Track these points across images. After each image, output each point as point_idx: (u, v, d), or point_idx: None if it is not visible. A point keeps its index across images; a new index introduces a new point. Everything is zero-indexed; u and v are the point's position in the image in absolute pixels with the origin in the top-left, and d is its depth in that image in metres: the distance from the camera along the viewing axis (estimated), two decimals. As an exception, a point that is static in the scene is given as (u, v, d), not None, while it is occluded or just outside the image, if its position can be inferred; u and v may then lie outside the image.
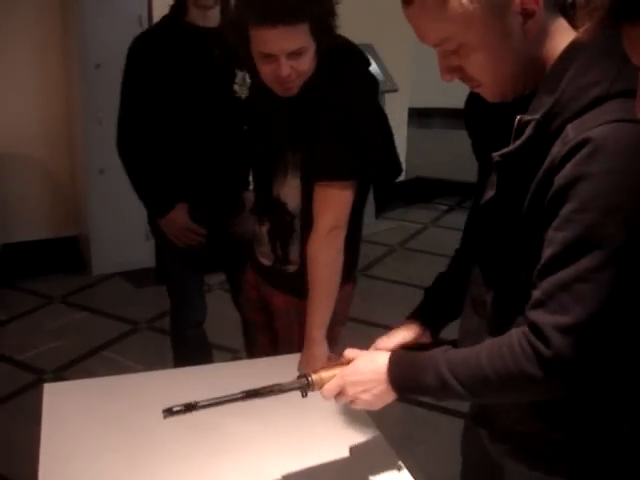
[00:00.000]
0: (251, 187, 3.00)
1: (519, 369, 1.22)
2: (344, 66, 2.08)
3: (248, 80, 2.79)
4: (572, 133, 1.17)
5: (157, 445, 1.74)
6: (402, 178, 6.65)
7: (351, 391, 1.49)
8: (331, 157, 2.06)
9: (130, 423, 1.85)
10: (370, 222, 5.83)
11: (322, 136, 2.06)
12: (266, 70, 2.01)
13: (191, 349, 3.18)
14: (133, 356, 3.87)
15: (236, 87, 2.85)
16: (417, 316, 1.66)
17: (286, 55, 1.94)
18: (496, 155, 1.29)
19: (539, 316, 1.21)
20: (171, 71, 2.78)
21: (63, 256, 5.02)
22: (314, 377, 1.54)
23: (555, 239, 1.19)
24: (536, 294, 1.23)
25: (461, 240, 1.65)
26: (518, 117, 1.24)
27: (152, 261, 4.85)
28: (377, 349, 1.59)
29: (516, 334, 1.25)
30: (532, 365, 1.21)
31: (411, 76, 6.36)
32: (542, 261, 1.22)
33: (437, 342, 1.62)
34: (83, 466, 1.66)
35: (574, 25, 1.26)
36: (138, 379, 2.18)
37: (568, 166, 1.17)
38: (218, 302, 4.83)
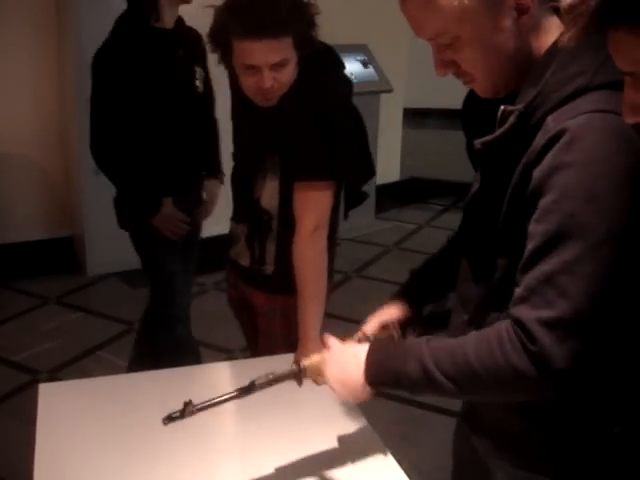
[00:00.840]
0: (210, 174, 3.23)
1: (510, 365, 1.20)
2: (319, 69, 2.10)
3: (203, 74, 3.03)
4: (552, 124, 1.18)
5: (153, 445, 1.74)
6: (397, 178, 6.70)
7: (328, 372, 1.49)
8: (310, 158, 2.09)
9: (126, 423, 1.85)
10: (365, 222, 5.84)
11: (300, 138, 2.09)
12: (248, 81, 2.03)
13: (181, 348, 3.19)
14: (128, 356, 3.87)
15: (197, 82, 3.02)
16: (401, 295, 1.67)
17: (269, 67, 1.96)
18: (478, 142, 1.29)
19: (523, 312, 1.20)
20: (142, 73, 2.85)
21: (58, 256, 5.01)
22: (306, 363, 1.54)
23: (536, 232, 1.19)
24: (519, 290, 1.22)
25: (457, 229, 1.65)
26: (502, 107, 1.25)
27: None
28: (362, 332, 1.61)
29: (505, 328, 1.23)
30: (522, 361, 1.19)
31: (406, 76, 6.37)
32: (524, 256, 1.22)
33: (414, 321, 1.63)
34: (78, 466, 1.66)
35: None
36: (133, 379, 2.19)
37: (547, 157, 1.17)
38: (213, 302, 4.84)
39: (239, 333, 2.70)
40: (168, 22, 2.92)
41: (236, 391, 1.54)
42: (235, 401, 1.97)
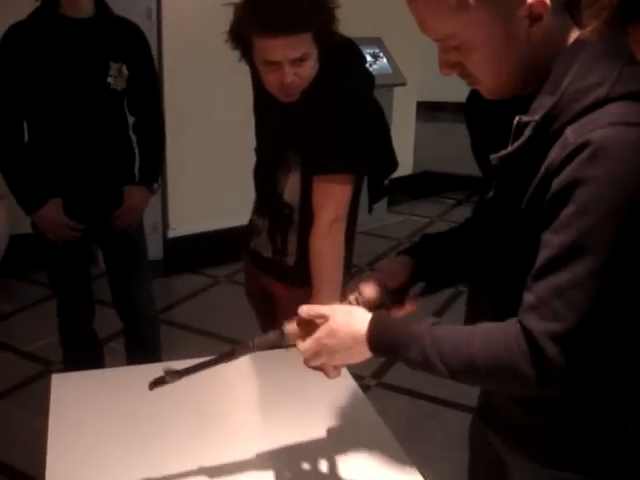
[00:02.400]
0: (136, 180, 3.06)
1: (513, 367, 1.21)
2: (341, 63, 2.10)
3: (125, 72, 2.82)
4: (572, 136, 1.16)
5: (163, 434, 1.75)
6: (410, 172, 6.69)
7: (325, 357, 1.46)
8: (329, 151, 2.09)
9: (137, 413, 1.85)
10: (378, 216, 5.84)
11: (320, 131, 2.08)
12: (270, 78, 2.03)
13: (78, 350, 3.10)
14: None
15: (110, 79, 2.80)
16: (407, 254, 1.64)
17: (289, 62, 1.96)
18: (494, 158, 1.27)
19: (532, 322, 1.19)
20: (41, 62, 2.71)
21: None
22: (288, 327, 1.52)
23: (551, 242, 1.18)
24: (529, 298, 1.21)
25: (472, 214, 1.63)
26: (517, 118, 1.23)
27: (159, 253, 4.87)
28: (361, 294, 1.58)
29: (515, 334, 1.22)
30: (527, 366, 1.19)
31: (420, 70, 6.35)
32: (537, 263, 1.21)
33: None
34: (91, 455, 1.67)
35: (579, 23, 1.26)
36: (145, 370, 2.18)
37: (567, 169, 1.15)
38: (223, 294, 4.86)
39: (251, 325, 2.70)
40: (81, 10, 2.74)
41: (217, 356, 1.53)
42: (245, 394, 1.98)
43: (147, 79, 2.99)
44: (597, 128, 1.13)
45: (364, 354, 1.41)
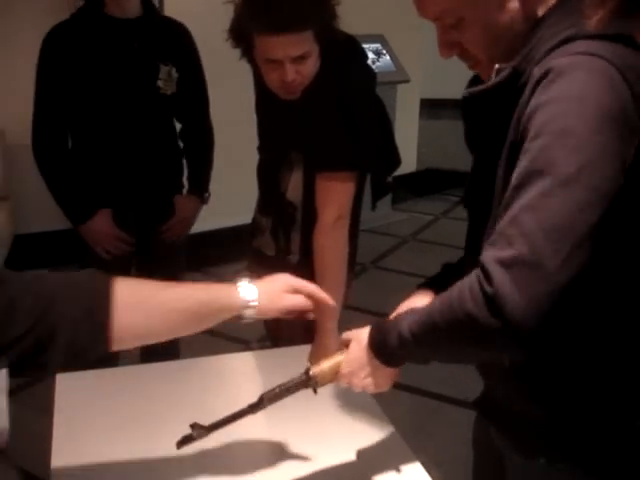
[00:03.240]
0: (185, 190, 2.94)
1: (463, 309, 1.13)
2: (342, 61, 2.09)
3: (175, 75, 2.69)
4: (537, 70, 1.15)
5: (168, 434, 1.74)
6: (413, 169, 6.68)
7: (357, 382, 1.46)
8: (332, 149, 2.09)
9: (141, 412, 1.85)
10: (382, 213, 5.84)
11: (322, 129, 2.08)
12: (271, 75, 2.03)
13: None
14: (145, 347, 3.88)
15: (160, 82, 2.68)
16: (430, 286, 1.61)
17: (291, 60, 1.96)
18: (466, 91, 1.28)
19: (486, 254, 1.13)
20: (87, 64, 2.60)
21: (75, 247, 5.02)
22: (315, 370, 1.52)
23: (512, 179, 1.14)
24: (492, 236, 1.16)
25: None
26: (497, 66, 1.23)
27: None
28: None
29: (468, 277, 1.16)
30: (475, 303, 1.11)
31: (423, 67, 6.35)
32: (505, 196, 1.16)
33: None
34: (95, 454, 1.67)
35: None
36: (150, 369, 2.19)
37: (531, 102, 1.13)
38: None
39: (256, 324, 2.69)
40: (127, 10, 2.64)
41: (246, 407, 1.52)
42: (249, 394, 1.97)
43: (196, 83, 2.87)
44: (561, 57, 1.12)
45: (381, 368, 1.42)
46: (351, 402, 1.90)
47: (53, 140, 2.70)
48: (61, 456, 1.67)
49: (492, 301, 1.08)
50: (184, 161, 2.94)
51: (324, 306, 1.60)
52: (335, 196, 2.11)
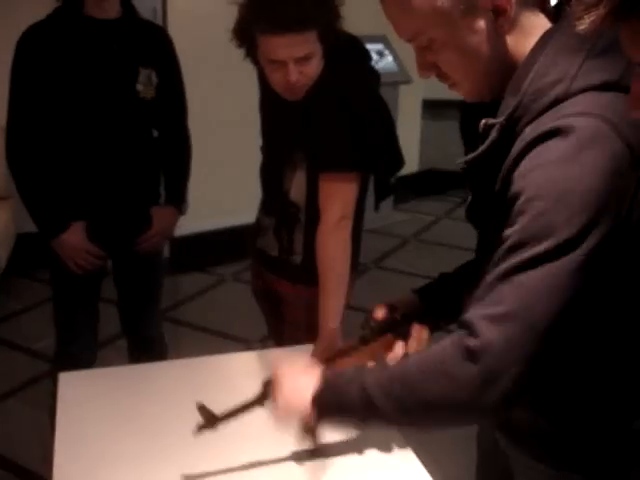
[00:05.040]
0: (162, 200, 2.83)
1: (446, 369, 1.15)
2: (346, 61, 2.09)
3: (155, 79, 2.59)
4: (529, 132, 1.15)
5: (171, 433, 1.75)
6: (415, 170, 6.68)
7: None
8: (335, 149, 2.09)
9: (144, 411, 1.86)
10: (384, 214, 5.84)
11: (325, 129, 2.08)
12: (275, 76, 2.03)
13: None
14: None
15: (139, 86, 2.56)
16: (419, 292, 1.64)
17: (294, 61, 1.96)
18: (460, 162, 1.28)
19: (471, 311, 1.15)
20: (63, 66, 2.47)
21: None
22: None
23: (505, 235, 1.15)
24: (477, 291, 1.17)
25: None
26: (483, 121, 1.23)
27: (165, 252, 4.86)
28: (372, 316, 1.60)
29: (450, 336, 1.18)
30: (460, 361, 1.13)
31: (425, 67, 6.33)
32: (492, 260, 1.17)
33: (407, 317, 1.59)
34: (98, 453, 1.67)
35: (553, 20, 1.25)
36: (153, 369, 2.20)
37: (524, 161, 1.14)
38: (230, 292, 4.87)
39: (257, 324, 2.71)
40: (107, 10, 2.50)
41: (254, 398, 1.57)
42: (250, 389, 1.98)
43: (176, 89, 2.77)
44: (554, 120, 1.12)
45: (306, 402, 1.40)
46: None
47: (27, 146, 2.56)
48: (63, 454, 1.67)
49: (478, 354, 1.11)
50: (161, 170, 2.84)
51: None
52: (338, 196, 2.11)
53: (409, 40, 1.28)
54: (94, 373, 2.25)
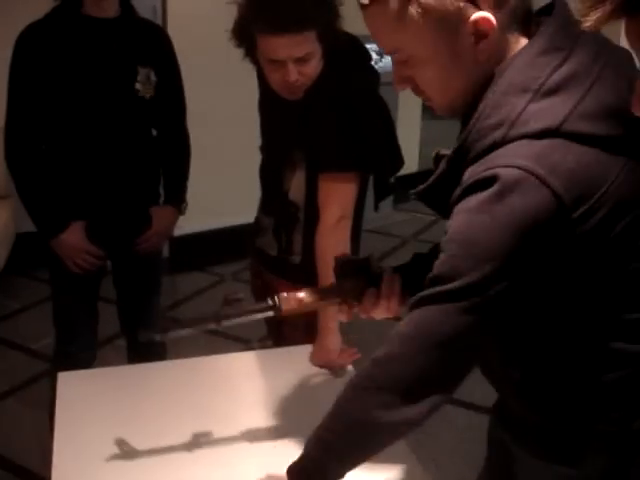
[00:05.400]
0: (161, 200, 2.82)
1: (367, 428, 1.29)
2: (345, 61, 2.09)
3: (153, 78, 2.58)
4: (467, 176, 1.18)
5: (170, 432, 1.75)
6: (415, 169, 6.67)
7: None
8: (334, 149, 2.09)
9: (143, 411, 1.86)
10: (384, 214, 5.83)
11: (325, 129, 2.08)
12: (274, 76, 2.02)
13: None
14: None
15: (138, 85, 2.55)
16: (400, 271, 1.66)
17: (293, 61, 1.95)
18: (412, 193, 1.35)
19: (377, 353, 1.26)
20: (62, 66, 2.47)
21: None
22: (281, 296, 1.54)
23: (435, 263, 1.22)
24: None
25: None
26: (435, 151, 1.28)
27: (165, 251, 4.86)
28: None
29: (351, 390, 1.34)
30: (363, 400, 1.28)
31: (425, 67, 6.34)
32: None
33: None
34: (97, 453, 1.67)
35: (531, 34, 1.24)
36: (152, 368, 2.20)
37: (457, 206, 1.19)
38: (229, 292, 4.86)
39: (257, 323, 2.69)
40: (106, 9, 2.50)
41: (212, 318, 1.56)
42: (250, 393, 1.98)
43: (175, 88, 2.76)
44: (485, 170, 1.14)
45: None
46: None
47: (26, 146, 2.56)
48: (62, 453, 1.67)
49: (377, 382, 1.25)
50: (160, 170, 2.83)
51: None
52: (338, 196, 2.11)
53: (388, 53, 1.29)
54: (93, 373, 2.25)
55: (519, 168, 1.10)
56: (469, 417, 1.69)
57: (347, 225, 2.13)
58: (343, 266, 1.59)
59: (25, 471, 3.04)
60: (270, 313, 1.53)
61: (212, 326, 1.54)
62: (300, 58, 1.96)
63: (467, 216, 1.16)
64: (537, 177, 1.09)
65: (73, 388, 1.96)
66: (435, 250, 1.64)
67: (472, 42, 1.19)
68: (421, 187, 1.31)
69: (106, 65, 2.52)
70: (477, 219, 1.14)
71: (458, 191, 1.19)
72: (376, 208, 2.34)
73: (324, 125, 2.08)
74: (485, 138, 1.17)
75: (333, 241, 2.11)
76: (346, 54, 2.10)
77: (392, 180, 2.37)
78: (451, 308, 1.16)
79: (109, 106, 2.54)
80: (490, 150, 1.16)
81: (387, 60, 4.73)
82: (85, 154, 2.57)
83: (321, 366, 2.07)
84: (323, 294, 1.58)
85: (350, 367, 2.06)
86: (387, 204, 6.05)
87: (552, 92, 1.14)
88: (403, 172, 2.40)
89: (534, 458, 1.41)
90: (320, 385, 1.98)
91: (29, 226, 2.71)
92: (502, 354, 1.37)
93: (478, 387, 1.56)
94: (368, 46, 2.26)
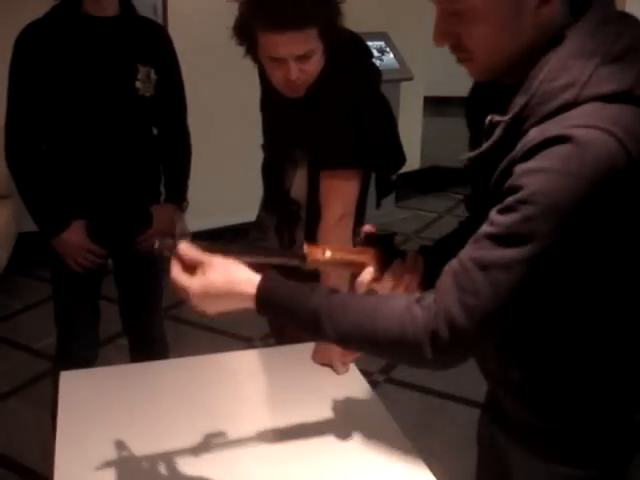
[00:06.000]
0: (162, 198, 2.81)
1: (406, 344, 1.22)
2: (347, 59, 2.09)
3: (154, 77, 2.58)
4: (534, 135, 1.14)
5: (173, 432, 1.75)
6: (417, 167, 6.68)
7: (197, 302, 1.40)
8: (336, 147, 2.08)
9: (145, 410, 1.85)
10: (386, 211, 5.83)
11: (326, 127, 2.08)
12: (275, 74, 2.02)
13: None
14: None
15: (138, 84, 2.55)
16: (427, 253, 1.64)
17: (295, 58, 1.95)
18: (464, 159, 1.27)
19: (448, 286, 1.20)
20: (62, 65, 2.47)
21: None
22: (309, 246, 1.51)
23: (494, 220, 1.17)
24: (453, 262, 1.22)
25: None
26: (489, 117, 1.22)
27: (167, 250, 4.87)
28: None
29: (420, 304, 1.23)
30: (425, 342, 1.20)
31: (426, 64, 6.34)
32: (473, 236, 1.20)
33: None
34: (99, 452, 1.67)
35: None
36: (154, 367, 2.19)
37: (530, 161, 1.13)
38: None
39: (259, 322, 2.70)
40: (105, 8, 2.51)
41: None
42: (253, 391, 1.98)
43: (175, 87, 2.76)
44: (561, 129, 1.11)
45: (241, 305, 1.40)
46: (354, 400, 1.90)
47: (27, 145, 2.57)
48: (65, 453, 1.67)
49: (441, 340, 1.18)
50: (161, 168, 2.82)
51: None
52: (339, 194, 2.11)
53: (440, 2, 1.23)
54: (95, 372, 2.25)
55: (598, 128, 1.08)
56: (471, 414, 1.69)
57: (349, 223, 2.13)
58: (368, 236, 1.58)
59: (27, 470, 3.04)
60: (295, 262, 1.50)
61: (230, 252, 1.46)
62: (301, 56, 1.95)
63: (545, 177, 1.10)
64: (616, 139, 1.08)
65: (75, 387, 1.95)
66: (459, 232, 1.64)
67: (535, 5, 1.18)
68: (473, 154, 1.24)
69: (106, 64, 2.52)
70: (557, 180, 1.09)
71: (524, 148, 1.15)
72: (378, 206, 2.33)
73: (326, 123, 2.08)
74: (553, 100, 1.14)
75: (335, 239, 2.11)
76: (347, 51, 2.10)
77: (394, 178, 2.36)
78: (528, 275, 1.13)
79: (109, 105, 2.54)
80: (558, 112, 1.13)
81: (388, 57, 4.72)
82: (85, 153, 2.57)
83: (323, 364, 2.06)
84: (350, 254, 1.57)
85: (352, 365, 2.06)
86: (389, 202, 6.05)
87: (618, 59, 1.13)
88: (405, 170, 2.40)
89: (529, 457, 1.41)
90: (322, 383, 1.98)
91: (30, 226, 2.71)
92: (503, 352, 1.37)
93: (482, 385, 1.56)
94: (369, 43, 2.26)
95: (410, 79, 5.83)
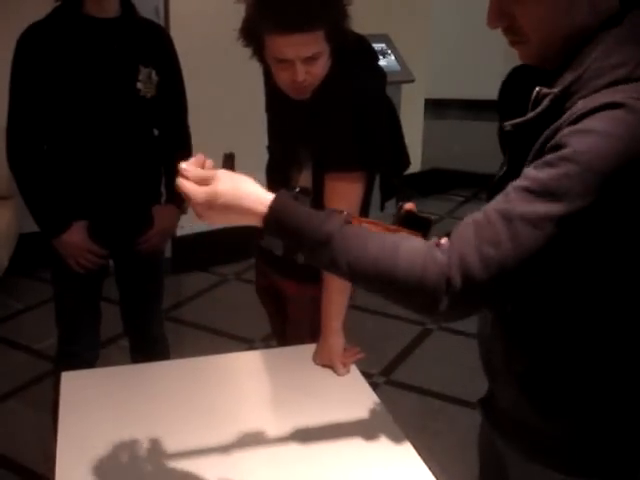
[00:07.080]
0: (163, 199, 2.81)
1: (424, 284, 1.18)
2: (353, 61, 2.09)
3: (155, 78, 2.59)
4: (582, 104, 1.14)
5: (174, 432, 1.75)
6: (418, 169, 6.68)
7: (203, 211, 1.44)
8: (341, 149, 2.08)
9: (146, 411, 1.86)
10: (389, 213, 5.82)
11: (331, 129, 2.08)
12: (282, 75, 2.02)
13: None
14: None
15: (139, 85, 2.55)
16: None
17: (301, 60, 1.95)
18: (508, 124, 1.25)
19: (469, 234, 1.17)
20: (64, 66, 2.48)
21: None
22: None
23: (529, 175, 1.16)
24: (475, 214, 1.20)
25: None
26: (537, 89, 1.21)
27: (168, 251, 4.86)
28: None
29: (439, 248, 1.21)
30: (439, 287, 1.16)
31: (428, 67, 6.34)
32: (508, 187, 1.18)
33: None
34: (100, 452, 1.67)
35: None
36: (155, 368, 2.20)
37: (578, 124, 1.12)
38: (232, 292, 4.86)
39: (260, 323, 2.70)
40: (107, 9, 2.52)
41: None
42: (254, 392, 1.99)
43: (176, 88, 2.76)
44: (613, 97, 1.11)
45: (246, 221, 1.42)
46: (355, 402, 1.90)
47: (28, 146, 2.57)
48: (66, 453, 1.68)
49: (458, 291, 1.15)
50: (162, 169, 2.81)
51: None
52: (344, 196, 2.11)
53: None
54: (96, 373, 2.25)
55: None
56: (472, 416, 1.69)
57: None
58: (408, 215, 1.59)
59: (28, 471, 3.04)
60: None
61: None
62: (308, 58, 1.95)
63: (593, 137, 1.09)
64: None
65: (76, 388, 1.96)
66: None
67: None
68: (518, 120, 1.23)
69: (107, 65, 2.53)
70: (604, 143, 1.09)
71: (572, 116, 1.14)
72: (382, 208, 2.33)
73: (331, 125, 2.08)
74: (605, 76, 1.14)
75: None
76: (354, 54, 2.10)
77: (398, 180, 2.37)
78: (555, 234, 1.11)
79: (111, 106, 2.55)
80: (609, 86, 1.13)
81: (389, 60, 4.71)
82: (87, 154, 2.57)
83: (324, 365, 2.07)
84: (384, 230, 1.52)
85: (353, 366, 2.06)
86: (391, 204, 6.04)
87: None
88: (406, 172, 2.40)
89: (528, 464, 1.40)
90: (323, 385, 1.98)
91: (32, 226, 2.71)
92: (510, 342, 1.36)
93: (483, 387, 1.56)
94: (375, 46, 2.25)
95: (411, 81, 5.82)
